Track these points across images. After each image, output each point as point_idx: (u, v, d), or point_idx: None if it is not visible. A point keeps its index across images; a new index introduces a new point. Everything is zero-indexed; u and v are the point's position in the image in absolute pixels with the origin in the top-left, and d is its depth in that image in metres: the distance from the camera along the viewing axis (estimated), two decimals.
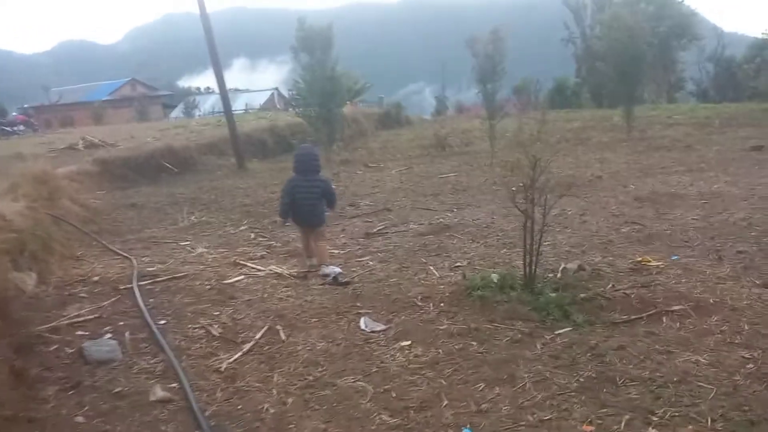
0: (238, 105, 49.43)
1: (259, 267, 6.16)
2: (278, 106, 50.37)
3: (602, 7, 32.35)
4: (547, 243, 5.94)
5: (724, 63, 34.67)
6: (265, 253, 6.98)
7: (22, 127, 27.36)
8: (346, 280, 5.55)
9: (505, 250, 6.38)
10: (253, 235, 7.98)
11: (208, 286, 5.59)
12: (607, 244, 6.49)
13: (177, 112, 49.11)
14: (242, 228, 8.41)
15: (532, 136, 16.90)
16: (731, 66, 34.17)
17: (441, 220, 8.02)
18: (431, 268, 5.76)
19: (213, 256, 6.90)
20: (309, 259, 6.20)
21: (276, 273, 5.90)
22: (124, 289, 5.61)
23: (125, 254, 7.10)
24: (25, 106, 39.97)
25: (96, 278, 6.03)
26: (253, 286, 5.56)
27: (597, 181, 10.39)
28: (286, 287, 5.51)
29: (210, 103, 49.19)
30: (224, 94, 16.37)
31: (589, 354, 3.81)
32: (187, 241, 7.82)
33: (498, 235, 7.06)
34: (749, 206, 7.70)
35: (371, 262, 6.11)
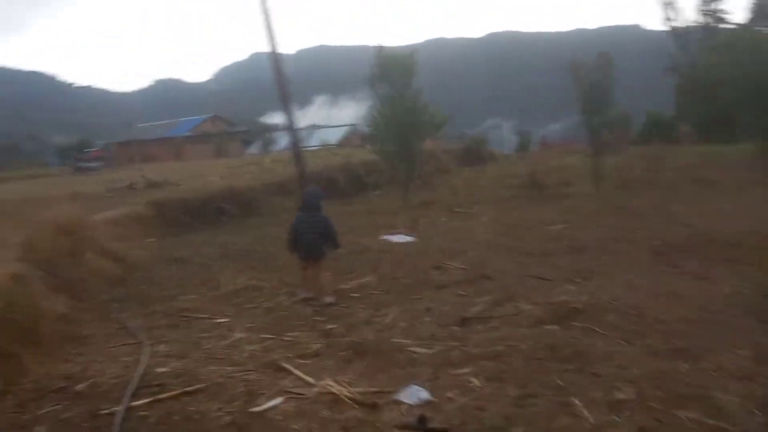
0: (314, 141, 48.78)
1: (308, 379, 4.18)
2: (355, 142, 49.42)
3: (712, 33, 29.32)
4: None
5: None
6: (321, 345, 5.01)
7: (96, 163, 27.13)
8: (440, 426, 3.44)
9: (684, 363, 4.11)
10: (310, 311, 6.06)
11: (227, 418, 3.66)
12: None
13: (254, 148, 48.92)
14: (297, 298, 6.51)
15: (643, 176, 14.50)
16: None
17: (564, 297, 5.81)
18: (576, 401, 3.59)
19: (252, 347, 5.01)
20: (305, 291, 6.50)
21: (331, 394, 3.90)
22: (106, 413, 3.77)
23: (140, 338, 5.35)
24: (102, 142, 40.57)
25: (81, 386, 4.25)
26: (291, 423, 3.57)
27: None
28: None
29: (287, 139, 48.52)
30: (293, 131, 14.84)
31: None
32: (227, 316, 6.01)
33: (659, 330, 4.80)
34: None
35: (474, 380, 3.99)
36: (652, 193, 12.60)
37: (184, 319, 6.01)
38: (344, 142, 47.00)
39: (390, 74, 14.94)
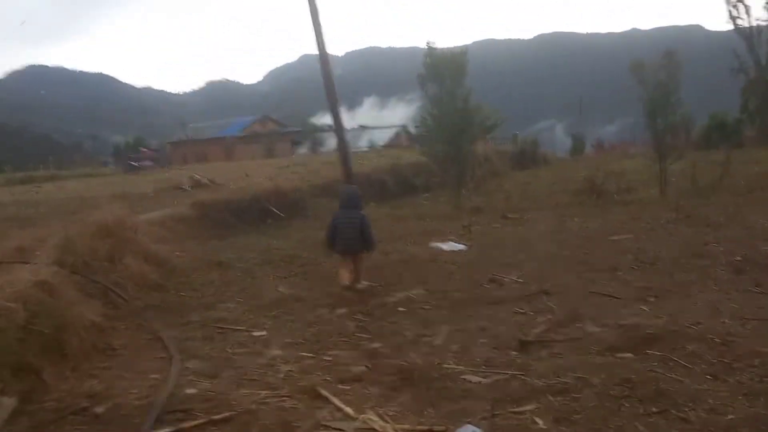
0: (362, 142, 48.56)
1: (348, 410, 3.70)
2: (404, 143, 48.96)
3: None
4: None
5: None
6: (364, 368, 4.54)
7: (148, 162, 27.45)
8: None
9: None
10: (353, 326, 5.59)
11: None
12: None
13: (304, 149, 49.07)
14: (339, 312, 6.06)
15: (712, 182, 13.50)
16: None
17: (636, 319, 5.18)
18: None
19: (288, 367, 4.58)
20: (344, 282, 6.76)
21: (374, 431, 3.41)
22: None
23: (172, 351, 4.99)
24: (156, 142, 41.24)
25: (101, 408, 3.89)
26: None
27: None
28: None
29: (336, 140, 48.51)
30: (339, 132, 14.45)
31: None
32: (264, 329, 5.61)
33: (752, 364, 4.13)
34: None
35: (539, 421, 3.43)
36: (724, 201, 11.69)
37: (220, 331, 5.64)
38: (393, 144, 46.63)
39: (440, 73, 14.44)
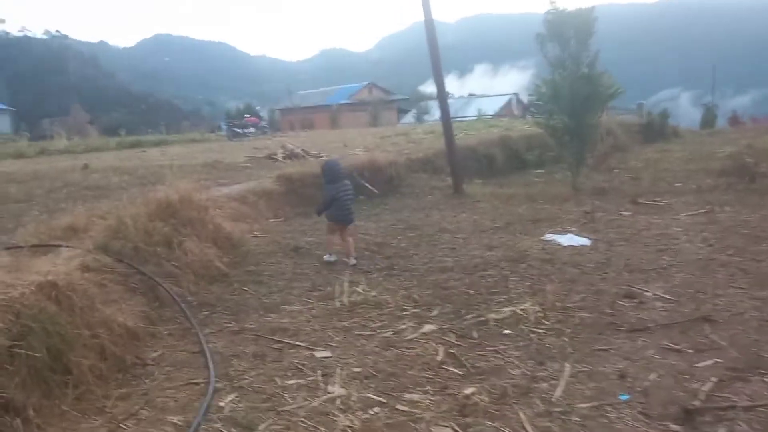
0: (470, 111, 46.49)
1: None
2: (515, 113, 46.39)
3: None
4: None
5: None
6: (451, 429, 3.22)
7: (252, 129, 27.17)
8: None
9: None
10: (440, 354, 4.26)
11: None
12: None
13: (408, 118, 47.76)
14: (426, 329, 4.74)
15: None
16: None
17: None
18: None
19: (348, 419, 3.35)
20: (331, 255, 6.87)
21: None
22: None
23: (211, 375, 3.93)
24: (265, 108, 41.39)
25: None
26: None
27: None
28: None
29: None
30: (442, 102, 12.95)
31: None
32: (330, 348, 4.42)
33: None
34: None
35: None
36: None
37: (276, 346, 4.51)
38: (503, 113, 44.30)
39: (564, 33, 12.49)
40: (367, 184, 11.39)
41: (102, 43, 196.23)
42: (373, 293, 5.57)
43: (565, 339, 4.43)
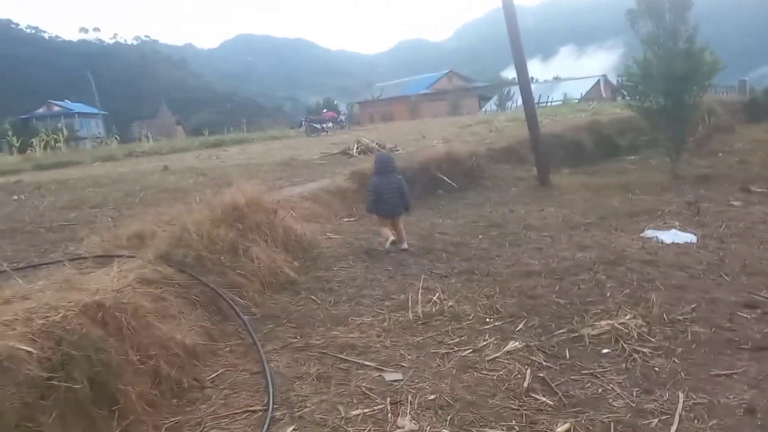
0: (556, 95, 44.64)
1: None
2: (604, 95, 44.21)
3: None
4: None
5: None
6: None
7: (330, 124, 27.08)
8: None
9: None
10: (527, 378, 3.70)
11: None
12: None
13: (490, 105, 46.51)
14: (510, 346, 4.17)
15: None
16: None
17: None
18: None
19: None
20: (387, 240, 6.84)
21: None
22: None
23: (270, 396, 3.57)
24: (344, 102, 41.40)
25: None
26: None
27: None
28: None
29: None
30: (525, 89, 12.16)
31: None
32: (401, 368, 3.97)
33: None
34: None
35: None
36: None
37: (343, 366, 4.09)
38: (591, 97, 42.30)
39: (658, 7, 11.44)
40: (445, 178, 10.86)
41: (188, 46, 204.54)
42: (451, 303, 5.05)
43: (676, 360, 3.76)
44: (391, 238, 6.89)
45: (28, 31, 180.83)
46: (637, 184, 10.06)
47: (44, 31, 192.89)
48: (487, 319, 4.71)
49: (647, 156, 13.65)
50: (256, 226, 6.32)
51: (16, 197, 11.30)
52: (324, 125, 26.47)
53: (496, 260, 6.29)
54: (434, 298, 5.19)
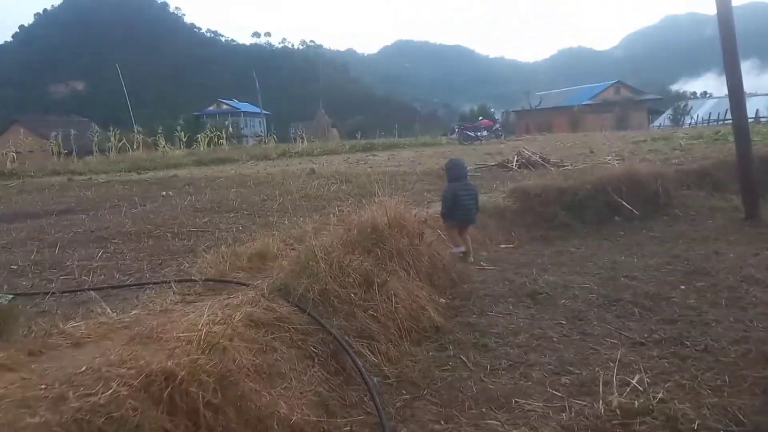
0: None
1: None
2: None
3: None
4: None
5: None
6: None
7: (485, 133, 25.61)
8: None
9: None
10: None
11: None
12: None
13: (662, 120, 42.37)
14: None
15: None
16: None
17: None
18: None
19: None
20: (458, 248, 6.66)
21: None
22: None
23: None
24: (500, 111, 39.72)
25: None
26: None
27: None
28: None
29: (705, 109, 40.92)
30: (736, 96, 9.95)
31: None
32: None
33: None
34: None
35: None
36: None
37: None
38: None
39: None
40: (624, 202, 9.12)
41: (350, 51, 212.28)
42: (660, 393, 3.53)
43: None
44: (463, 248, 6.73)
45: (208, 35, 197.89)
46: None
47: (222, 35, 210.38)
48: (703, 419, 3.16)
49: None
50: (397, 253, 5.19)
51: (164, 193, 11.24)
52: (478, 133, 25.06)
53: (713, 327, 4.61)
54: (633, 381, 3.69)
